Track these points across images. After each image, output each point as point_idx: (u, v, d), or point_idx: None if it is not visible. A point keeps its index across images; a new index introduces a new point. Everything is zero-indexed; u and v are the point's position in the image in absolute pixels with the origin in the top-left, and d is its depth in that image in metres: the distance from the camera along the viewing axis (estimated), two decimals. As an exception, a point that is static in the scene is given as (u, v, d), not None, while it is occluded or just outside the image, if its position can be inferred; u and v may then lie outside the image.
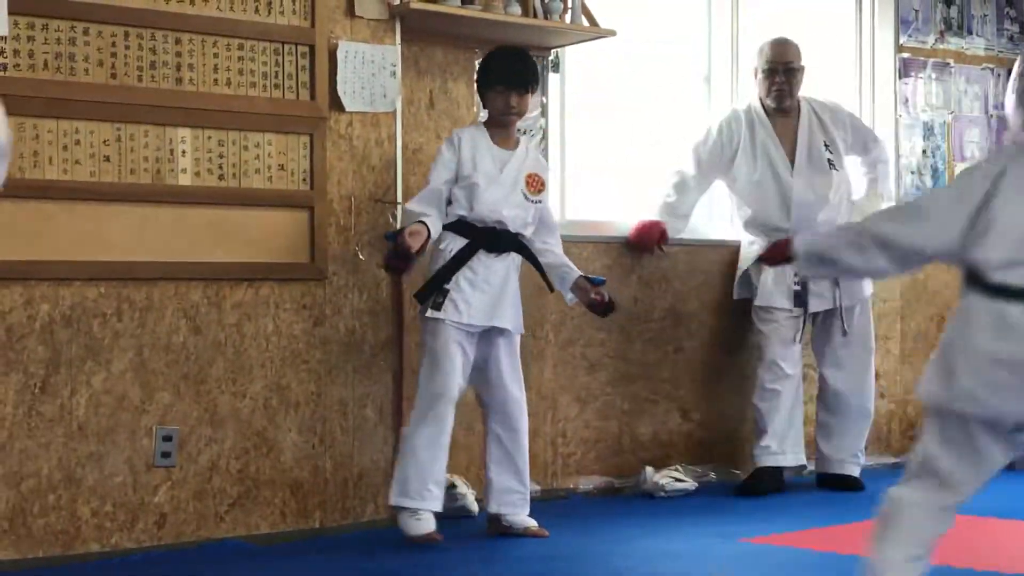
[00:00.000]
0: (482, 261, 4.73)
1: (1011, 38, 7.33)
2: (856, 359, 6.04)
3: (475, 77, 5.11)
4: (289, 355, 4.92)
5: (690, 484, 5.80)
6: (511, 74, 4.80)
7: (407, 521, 4.65)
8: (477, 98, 5.31)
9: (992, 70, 7.26)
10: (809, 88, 6.09)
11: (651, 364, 6.03)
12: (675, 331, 6.11)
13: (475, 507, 5.21)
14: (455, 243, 4.74)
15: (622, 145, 6.21)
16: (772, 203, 5.94)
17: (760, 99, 6.01)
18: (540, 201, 4.90)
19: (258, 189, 4.86)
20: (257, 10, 4.87)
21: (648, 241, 5.94)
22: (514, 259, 4.86)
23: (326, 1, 4.99)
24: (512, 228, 4.81)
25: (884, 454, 6.74)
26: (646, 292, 6.02)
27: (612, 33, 5.58)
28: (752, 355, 6.13)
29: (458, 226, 4.75)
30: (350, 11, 5.05)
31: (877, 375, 6.43)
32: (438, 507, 4.70)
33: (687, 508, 5.49)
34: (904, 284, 6.86)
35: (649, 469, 5.79)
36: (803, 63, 5.98)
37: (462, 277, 4.70)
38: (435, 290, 4.70)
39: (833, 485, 6.01)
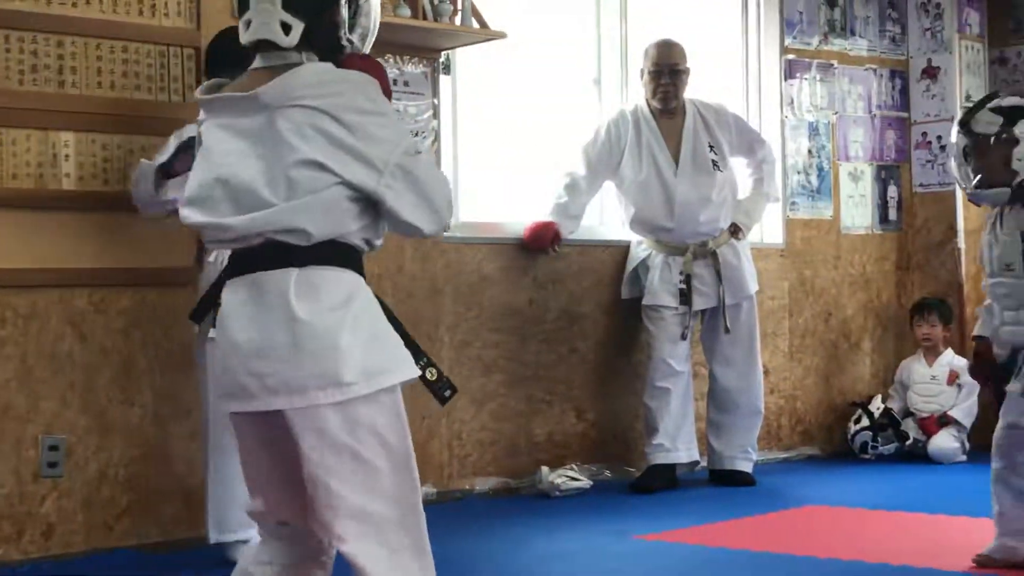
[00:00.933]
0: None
1: (893, 39, 7.47)
2: (744, 356, 6.13)
3: (205, 60, 4.55)
4: (178, 361, 4.85)
5: (585, 483, 5.84)
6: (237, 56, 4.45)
7: (234, 550, 4.36)
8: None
9: (875, 71, 7.40)
10: (695, 90, 6.17)
11: (546, 365, 6.06)
12: (569, 332, 6.15)
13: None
14: (222, 253, 4.23)
15: (514, 147, 6.23)
16: (656, 203, 6.01)
17: (646, 100, 6.08)
18: None
19: (145, 193, 4.79)
20: (141, 12, 4.81)
21: (541, 242, 5.97)
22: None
23: (212, 3, 4.95)
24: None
25: (774, 449, 6.84)
26: (540, 293, 6.05)
27: (502, 35, 5.60)
28: (643, 354, 6.18)
29: None
30: (236, 13, 4.99)
31: (766, 371, 6.53)
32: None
33: (582, 507, 5.53)
34: (791, 282, 6.97)
35: (544, 469, 5.82)
36: (689, 65, 6.05)
37: None
38: (210, 307, 4.31)
39: (725, 481, 6.08)
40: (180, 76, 4.88)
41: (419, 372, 2.74)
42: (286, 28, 2.68)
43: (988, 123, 3.98)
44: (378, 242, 2.77)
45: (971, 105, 4.10)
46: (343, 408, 2.58)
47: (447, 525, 5.10)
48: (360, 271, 2.71)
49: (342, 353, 2.57)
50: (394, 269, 5.55)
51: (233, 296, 2.70)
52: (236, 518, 4.33)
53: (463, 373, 5.76)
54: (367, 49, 2.89)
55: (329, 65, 2.71)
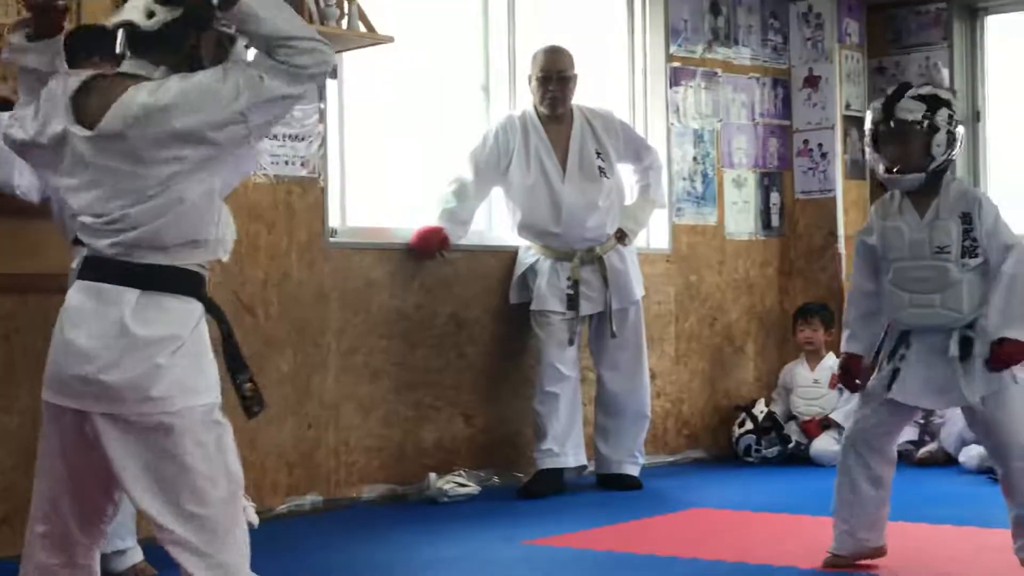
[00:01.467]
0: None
1: (775, 48, 7.60)
2: (630, 361, 6.18)
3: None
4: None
5: (473, 488, 5.85)
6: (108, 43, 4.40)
7: (112, 561, 4.28)
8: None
9: (758, 79, 7.51)
10: (583, 96, 6.21)
11: (434, 371, 6.05)
12: (457, 337, 6.15)
13: (255, 519, 5.13)
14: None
15: (402, 152, 6.22)
16: (544, 208, 6.04)
17: (534, 106, 6.11)
18: None
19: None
20: None
21: (429, 247, 5.96)
22: None
23: (93, 5, 4.86)
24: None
25: (661, 453, 6.91)
26: (428, 298, 6.04)
27: (390, 40, 5.58)
28: (532, 359, 6.21)
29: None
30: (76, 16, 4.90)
31: (653, 376, 6.59)
32: (132, 542, 4.35)
33: (470, 512, 5.53)
34: (678, 287, 7.05)
35: (432, 475, 5.81)
36: (576, 71, 6.09)
37: None
38: None
39: (612, 485, 6.13)
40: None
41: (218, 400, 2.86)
42: (149, 14, 2.81)
43: (912, 110, 4.07)
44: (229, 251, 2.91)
45: (888, 94, 4.17)
46: (156, 418, 2.76)
47: (334, 533, 5.07)
48: (200, 297, 2.85)
49: (161, 371, 2.75)
50: (280, 275, 5.50)
51: (78, 298, 2.84)
52: (115, 528, 4.25)
53: (350, 379, 5.73)
54: None
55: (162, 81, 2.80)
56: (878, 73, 7.82)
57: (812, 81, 7.56)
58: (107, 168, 2.77)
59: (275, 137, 5.40)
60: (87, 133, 2.78)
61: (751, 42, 7.48)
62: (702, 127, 7.24)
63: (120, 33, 2.85)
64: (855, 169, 7.53)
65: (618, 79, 7.09)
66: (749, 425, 7.01)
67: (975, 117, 7.72)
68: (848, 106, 7.52)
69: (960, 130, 4.14)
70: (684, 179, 7.13)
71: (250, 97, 2.74)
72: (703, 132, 7.24)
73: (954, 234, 4.07)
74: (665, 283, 6.99)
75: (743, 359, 7.38)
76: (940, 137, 4.06)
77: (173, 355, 2.76)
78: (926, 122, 4.05)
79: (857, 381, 4.27)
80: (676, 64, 7.11)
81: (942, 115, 4.07)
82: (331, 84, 5.72)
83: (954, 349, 4.05)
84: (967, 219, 4.07)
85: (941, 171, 4.12)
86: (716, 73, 7.30)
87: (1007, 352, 3.93)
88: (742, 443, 7.00)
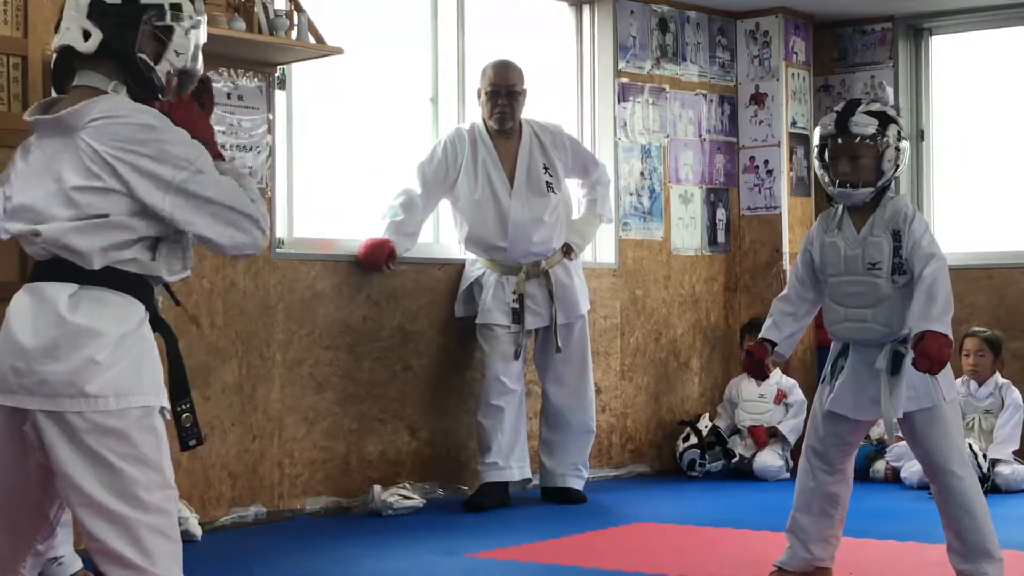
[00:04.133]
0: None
1: (723, 65, 7.65)
2: (575, 375, 6.19)
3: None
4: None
5: (418, 501, 5.83)
6: None
7: (49, 570, 4.20)
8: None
9: (705, 96, 7.56)
10: (532, 111, 6.23)
11: (379, 383, 6.04)
12: (403, 350, 6.14)
13: (198, 531, 5.11)
14: None
15: (349, 163, 6.21)
16: (490, 222, 6.05)
17: (483, 120, 6.12)
18: None
19: (-33, 205, 4.64)
20: (-35, 19, 4.66)
21: (376, 259, 5.94)
22: None
23: (40, 11, 4.82)
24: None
25: (605, 467, 6.93)
26: (375, 311, 6.02)
27: (339, 51, 5.57)
28: (478, 372, 6.21)
29: None
30: (66, 22, 4.87)
31: (598, 390, 6.61)
32: (69, 550, 4.26)
33: (415, 525, 5.52)
34: (623, 301, 7.08)
35: (377, 488, 5.80)
36: (526, 86, 6.11)
37: None
38: None
39: (557, 498, 6.14)
40: (6, 86, 4.74)
41: (166, 404, 2.83)
42: (86, 35, 2.82)
43: (866, 125, 4.12)
44: (178, 272, 2.90)
45: (840, 109, 4.22)
46: (91, 417, 2.71)
47: (277, 545, 5.05)
48: (144, 299, 2.83)
49: (98, 368, 2.72)
50: (226, 285, 5.47)
51: (19, 299, 2.83)
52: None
53: (295, 391, 5.71)
54: (181, 90, 2.96)
55: (123, 99, 2.84)
56: (824, 91, 7.90)
57: (759, 98, 7.63)
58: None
59: (223, 147, 5.37)
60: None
61: (699, 59, 7.53)
62: (649, 143, 7.27)
63: (59, 59, 2.88)
64: (800, 186, 7.60)
65: (567, 94, 7.12)
66: (693, 440, 7.05)
67: (920, 136, 7.81)
68: (794, 123, 7.59)
69: (905, 146, 4.20)
70: (631, 194, 7.16)
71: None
72: (650, 148, 7.28)
73: (885, 251, 4.14)
74: (611, 298, 7.02)
75: (688, 374, 7.42)
76: (890, 153, 4.12)
77: (111, 353, 2.73)
78: (879, 138, 4.11)
79: (766, 366, 4.35)
80: (624, 80, 7.15)
81: (892, 131, 4.13)
82: (279, 95, 5.71)
83: (881, 363, 4.10)
84: (897, 236, 4.14)
85: (886, 187, 4.18)
86: (664, 89, 7.35)
87: (928, 345, 3.95)
88: (686, 457, 7.04)
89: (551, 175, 6.13)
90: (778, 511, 4.83)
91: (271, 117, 5.65)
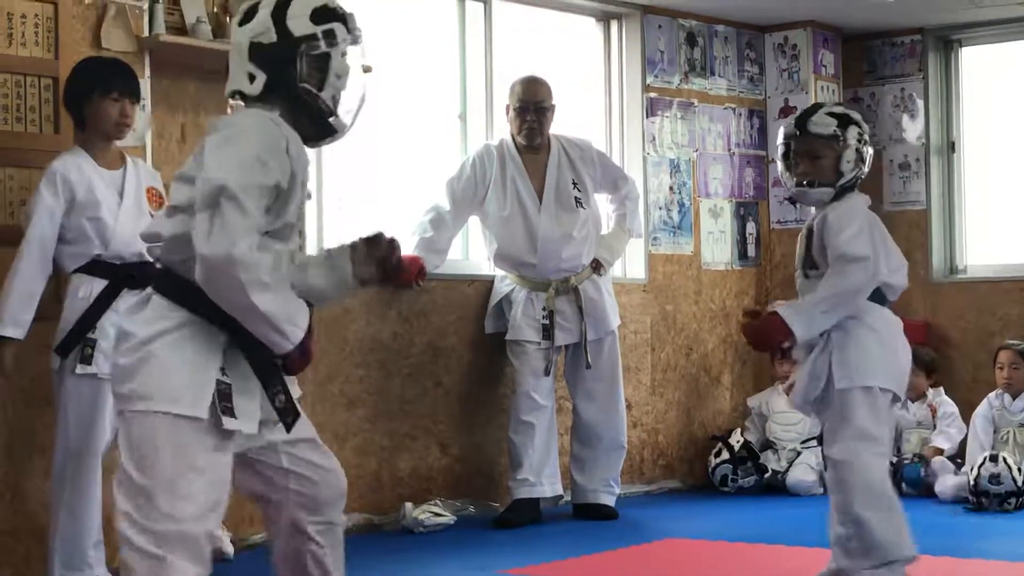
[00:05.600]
0: (126, 300, 4.16)
1: (751, 79, 7.64)
2: (606, 391, 6.17)
3: (70, 88, 4.49)
4: (33, 398, 4.73)
5: (449, 518, 5.83)
6: (125, 79, 4.45)
7: None
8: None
9: (734, 109, 7.55)
10: (560, 126, 6.23)
11: (410, 400, 6.04)
12: (434, 366, 6.14)
13: (230, 549, 5.12)
14: (92, 286, 4.31)
15: (379, 180, 6.23)
16: (519, 238, 6.04)
17: (512, 136, 6.12)
18: None
19: (0, 225, 4.67)
20: (-3, 41, 4.70)
21: (406, 276, 5.95)
22: None
23: (71, 33, 4.86)
24: (152, 257, 4.49)
25: (637, 483, 6.90)
26: (405, 327, 6.03)
27: (368, 69, 5.57)
28: (508, 388, 6.20)
29: (92, 267, 4.33)
30: (96, 43, 4.91)
31: (629, 405, 6.59)
32: (103, 570, 4.37)
33: (446, 542, 5.51)
34: (654, 316, 7.06)
35: (408, 505, 5.79)
36: (554, 102, 6.11)
37: (108, 324, 4.21)
38: (79, 342, 4.27)
39: (588, 515, 6.12)
40: (37, 106, 4.78)
41: (189, 412, 2.86)
42: (251, 77, 2.98)
43: (825, 125, 4.13)
44: None
45: (800, 113, 4.24)
46: (124, 418, 2.90)
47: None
48: (192, 305, 2.88)
49: (121, 370, 2.89)
50: (257, 303, 5.48)
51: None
52: (84, 556, 4.29)
53: (326, 408, 5.71)
54: (349, 119, 3.11)
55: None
56: (853, 104, 7.87)
57: (788, 112, 7.59)
58: None
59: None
60: None
61: (727, 73, 7.52)
62: (678, 157, 7.26)
63: (234, 100, 3.07)
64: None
65: (595, 109, 7.12)
66: (725, 455, 7.02)
67: (950, 148, 7.77)
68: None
69: (869, 151, 4.21)
70: (660, 209, 7.15)
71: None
72: (679, 162, 7.27)
73: (802, 247, 4.19)
74: (641, 313, 7.00)
75: (719, 389, 7.39)
76: (850, 154, 4.13)
77: (133, 354, 2.86)
78: (839, 138, 4.12)
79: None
80: (652, 94, 7.14)
81: (852, 132, 4.14)
82: (309, 113, 5.72)
83: (798, 353, 4.16)
84: (810, 233, 4.15)
85: (848, 188, 4.18)
86: (692, 103, 7.34)
87: (762, 323, 4.04)
88: (718, 473, 7.01)
89: (580, 190, 6.12)
90: (812, 526, 4.80)
91: (301, 135, 5.66)
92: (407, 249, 5.99)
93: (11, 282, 4.26)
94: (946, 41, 7.80)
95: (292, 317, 2.88)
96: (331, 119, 3.05)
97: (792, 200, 4.35)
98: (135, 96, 4.49)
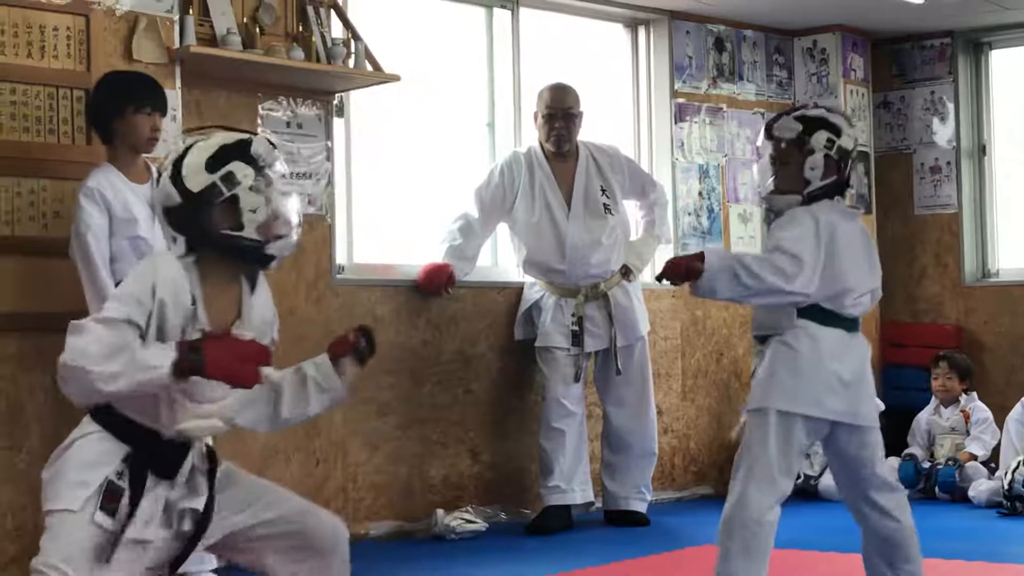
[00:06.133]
0: None
1: (780, 83, 7.62)
2: (637, 397, 6.17)
3: (98, 103, 4.57)
4: (67, 407, 4.74)
5: (481, 525, 5.83)
6: (156, 93, 4.54)
7: None
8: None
9: (763, 114, 7.52)
10: (588, 133, 6.23)
11: (441, 407, 6.05)
12: (464, 373, 6.15)
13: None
14: None
15: (407, 189, 6.24)
16: (548, 245, 6.05)
17: (540, 143, 6.13)
18: None
19: (33, 237, 4.71)
20: (30, 54, 4.74)
21: (436, 284, 5.97)
22: None
23: (103, 45, 4.89)
24: None
25: (668, 489, 6.89)
26: (435, 335, 6.04)
27: (396, 78, 5.61)
28: (538, 395, 6.20)
29: None
30: (128, 55, 4.94)
31: (659, 411, 6.58)
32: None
33: (478, 549, 5.52)
34: (683, 322, 7.05)
35: (440, 512, 5.80)
36: (582, 109, 6.11)
37: None
38: None
39: (620, 521, 6.11)
40: (69, 118, 4.82)
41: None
42: (175, 239, 3.13)
43: (788, 129, 3.90)
44: None
45: (772, 116, 4.09)
46: None
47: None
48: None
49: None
50: (286, 311, 5.50)
51: None
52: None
53: (357, 416, 5.73)
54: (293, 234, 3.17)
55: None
56: (883, 108, 7.85)
57: (817, 116, 7.57)
58: None
59: (282, 176, 5.42)
60: None
61: (755, 77, 7.50)
62: (707, 162, 7.25)
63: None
64: (860, 203, 7.54)
65: (623, 115, 7.12)
66: (757, 460, 6.98)
67: (981, 151, 7.74)
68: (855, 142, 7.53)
69: (849, 155, 3.92)
70: (689, 214, 7.14)
71: None
72: (708, 167, 7.26)
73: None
74: (671, 318, 6.99)
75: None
76: (814, 160, 3.86)
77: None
78: (801, 143, 3.86)
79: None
80: (681, 100, 7.14)
81: (819, 137, 3.86)
82: (338, 122, 5.76)
83: (756, 360, 4.01)
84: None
85: (820, 196, 3.89)
86: (721, 108, 7.33)
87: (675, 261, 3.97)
88: (750, 478, 6.97)
89: (608, 197, 6.12)
90: (845, 532, 4.78)
91: (330, 144, 5.69)
92: (436, 257, 6.03)
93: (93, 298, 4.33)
94: (976, 44, 7.77)
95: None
96: (265, 248, 3.08)
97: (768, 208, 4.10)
98: (165, 109, 4.56)
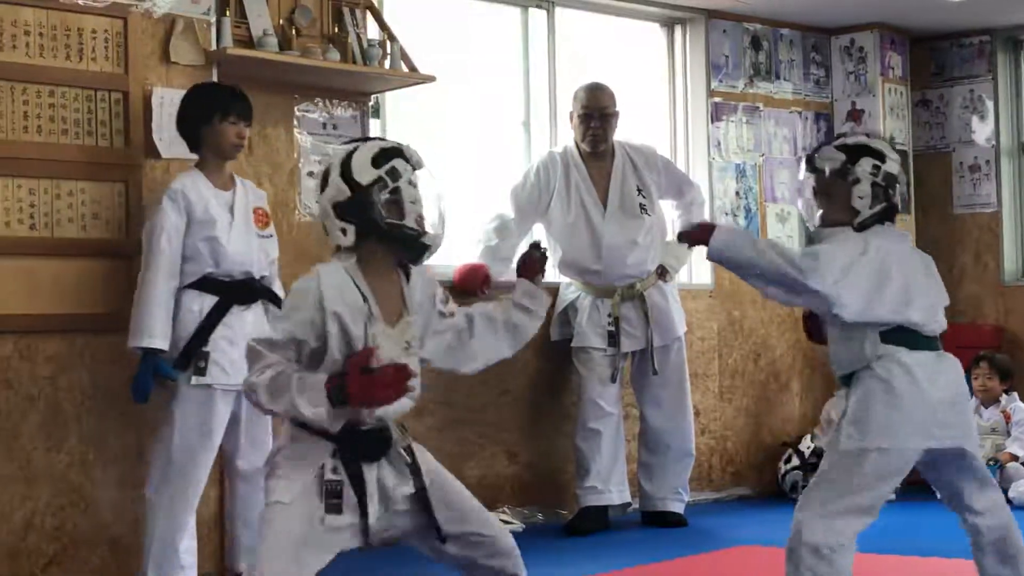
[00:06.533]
0: (235, 315, 4.52)
1: (817, 82, 7.59)
2: (673, 397, 6.15)
3: (187, 112, 4.66)
4: (106, 408, 4.79)
5: (517, 526, 5.84)
6: (242, 103, 4.64)
7: None
8: (298, 142, 5.31)
9: (800, 113, 7.50)
10: (625, 132, 6.22)
11: (477, 408, 6.05)
12: (501, 374, 6.13)
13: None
14: (203, 302, 4.50)
15: (444, 189, 6.23)
16: (584, 245, 6.04)
17: (576, 143, 6.12)
18: (271, 235, 4.73)
19: (72, 238, 4.75)
20: (68, 56, 4.77)
21: (472, 284, 5.95)
22: (261, 308, 4.62)
23: (140, 48, 4.92)
24: (257, 275, 4.63)
25: (706, 490, 6.86)
26: (470, 335, 6.03)
27: (432, 79, 5.61)
28: (575, 395, 6.19)
29: (203, 283, 4.52)
30: (165, 57, 4.97)
31: (697, 412, 6.55)
32: (194, 574, 4.53)
33: (514, 550, 5.50)
34: (720, 322, 7.02)
35: (476, 512, 5.79)
36: (618, 108, 6.10)
37: (220, 337, 4.48)
38: (194, 355, 4.46)
39: (657, 522, 6.09)
40: (108, 120, 4.85)
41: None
42: (344, 232, 3.39)
43: (831, 159, 3.80)
44: None
45: (814, 147, 4.03)
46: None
47: (377, 570, 5.06)
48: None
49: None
50: (324, 313, 5.52)
51: None
52: (177, 559, 4.46)
53: (394, 417, 5.73)
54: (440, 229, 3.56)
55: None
56: (922, 106, 7.80)
57: (855, 115, 7.54)
58: None
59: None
60: None
61: (793, 76, 7.47)
62: (744, 162, 7.23)
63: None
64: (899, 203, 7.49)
65: (659, 115, 7.10)
66: (795, 461, 6.96)
67: (1020, 149, 7.68)
68: (892, 140, 7.48)
69: (895, 180, 3.84)
70: (727, 214, 7.12)
71: None
72: (745, 167, 7.23)
73: None
74: (708, 319, 6.97)
75: (788, 395, 7.34)
76: (861, 189, 3.76)
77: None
78: (846, 173, 3.76)
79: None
80: (717, 99, 7.11)
81: (864, 165, 3.77)
82: (373, 123, 5.77)
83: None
84: None
85: (873, 223, 3.80)
86: (758, 107, 7.30)
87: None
88: (788, 480, 6.95)
89: (644, 196, 6.10)
90: (883, 534, 4.75)
91: (366, 146, 5.69)
92: (472, 257, 6.02)
93: (147, 296, 4.43)
94: (1015, 41, 7.71)
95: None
96: (422, 238, 3.44)
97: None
98: (250, 119, 4.67)
